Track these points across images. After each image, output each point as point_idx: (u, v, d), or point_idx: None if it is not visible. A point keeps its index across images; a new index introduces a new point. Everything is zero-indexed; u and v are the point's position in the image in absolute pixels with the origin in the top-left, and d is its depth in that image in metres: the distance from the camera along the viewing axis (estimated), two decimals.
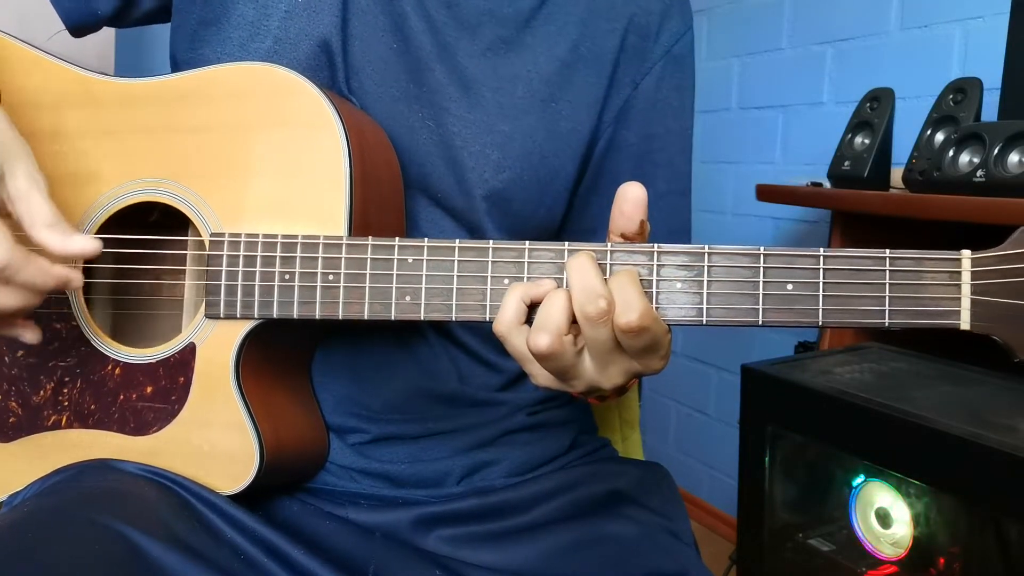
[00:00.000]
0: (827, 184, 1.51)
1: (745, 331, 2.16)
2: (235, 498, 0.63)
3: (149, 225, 0.61)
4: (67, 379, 0.65)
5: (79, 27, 0.77)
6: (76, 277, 0.57)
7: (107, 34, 1.93)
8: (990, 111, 1.28)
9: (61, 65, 0.67)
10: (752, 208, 2.03)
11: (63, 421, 0.65)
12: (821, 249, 0.53)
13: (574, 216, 0.78)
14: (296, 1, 0.67)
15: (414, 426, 0.73)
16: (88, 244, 0.56)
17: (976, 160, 1.15)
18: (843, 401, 1.13)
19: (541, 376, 0.55)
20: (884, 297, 0.52)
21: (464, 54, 0.70)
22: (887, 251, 0.52)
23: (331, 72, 0.68)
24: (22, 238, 0.55)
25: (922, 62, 1.63)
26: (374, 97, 0.69)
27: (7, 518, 0.57)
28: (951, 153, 1.19)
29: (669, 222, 0.77)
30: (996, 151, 1.11)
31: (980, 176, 1.12)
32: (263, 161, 0.62)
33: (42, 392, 0.66)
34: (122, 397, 0.64)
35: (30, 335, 0.60)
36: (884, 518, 1.17)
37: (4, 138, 0.57)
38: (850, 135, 1.46)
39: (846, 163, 1.44)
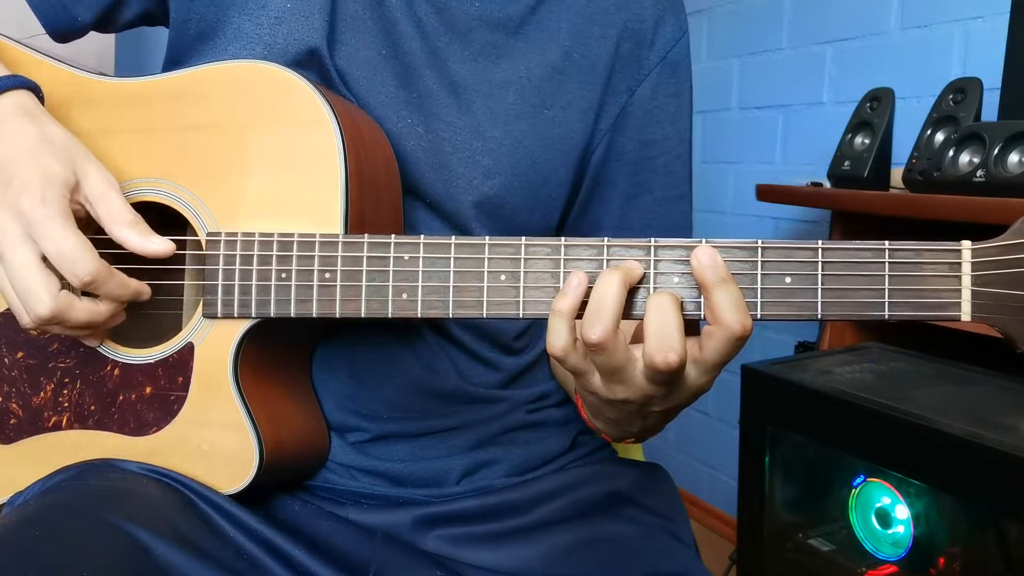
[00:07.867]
0: (827, 184, 1.51)
1: None
2: (235, 497, 0.63)
3: (149, 224, 0.61)
4: (67, 380, 0.65)
5: (61, 33, 0.75)
6: (147, 290, 0.61)
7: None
8: (990, 111, 1.28)
9: (56, 66, 0.67)
10: (752, 208, 2.03)
11: (63, 422, 0.65)
12: (819, 241, 0.52)
13: (572, 223, 0.78)
14: (285, 7, 0.67)
15: (414, 424, 0.73)
16: (166, 245, 0.59)
17: (976, 160, 1.15)
18: (843, 401, 1.13)
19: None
20: (883, 290, 0.51)
21: (455, 60, 0.70)
22: (886, 243, 0.52)
23: (321, 77, 0.68)
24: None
25: (922, 62, 1.63)
26: (363, 102, 0.69)
27: (14, 516, 0.57)
28: (951, 153, 1.19)
29: (669, 228, 0.77)
30: (996, 151, 1.11)
31: (980, 176, 1.12)
32: (258, 159, 0.62)
33: (42, 393, 0.66)
34: (121, 397, 0.64)
35: (93, 340, 0.64)
36: (884, 518, 1.17)
37: (67, 140, 0.60)
38: (850, 135, 1.46)
39: (846, 163, 1.43)
